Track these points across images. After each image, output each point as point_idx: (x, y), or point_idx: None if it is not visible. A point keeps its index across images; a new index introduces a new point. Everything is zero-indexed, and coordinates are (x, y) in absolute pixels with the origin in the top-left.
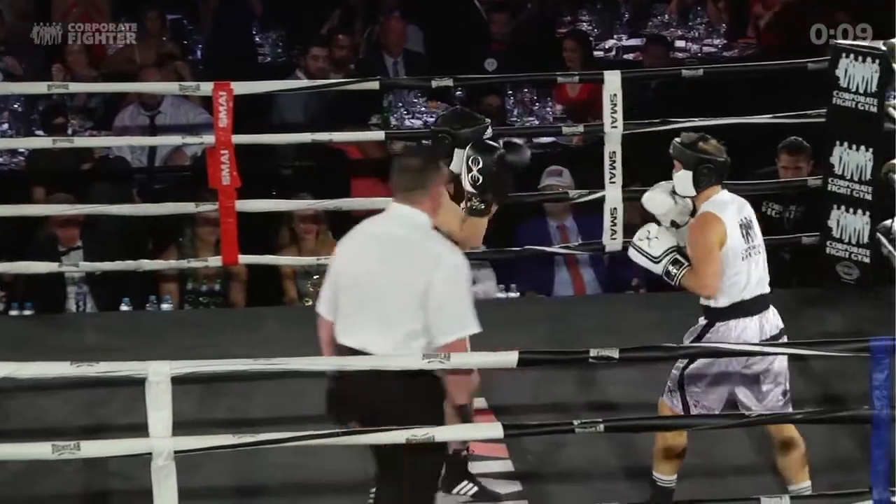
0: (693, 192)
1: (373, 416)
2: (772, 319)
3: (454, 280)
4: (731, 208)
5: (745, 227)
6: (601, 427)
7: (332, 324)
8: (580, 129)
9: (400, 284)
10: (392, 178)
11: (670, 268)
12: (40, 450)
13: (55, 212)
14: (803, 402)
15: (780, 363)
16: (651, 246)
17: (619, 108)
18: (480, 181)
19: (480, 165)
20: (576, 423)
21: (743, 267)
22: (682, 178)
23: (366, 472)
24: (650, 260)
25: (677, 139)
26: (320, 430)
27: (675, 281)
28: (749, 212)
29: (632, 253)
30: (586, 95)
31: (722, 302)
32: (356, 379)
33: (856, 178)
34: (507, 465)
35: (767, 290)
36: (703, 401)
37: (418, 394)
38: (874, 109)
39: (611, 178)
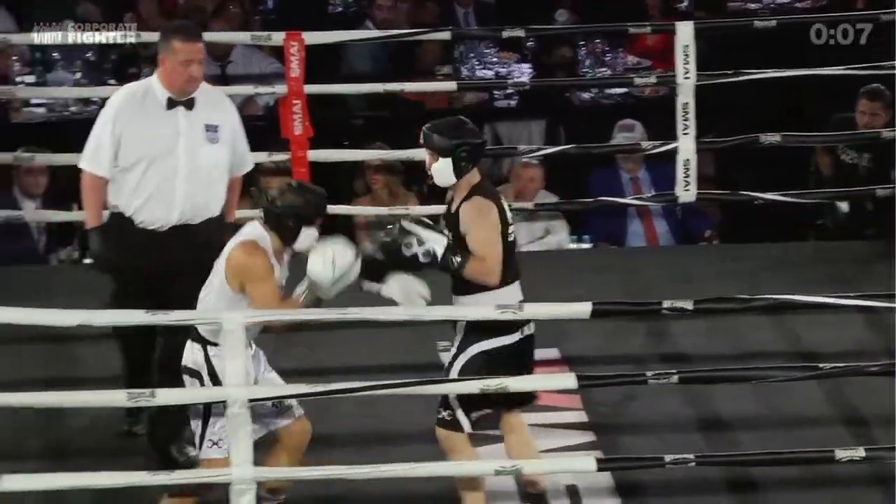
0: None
1: None
2: None
3: None
4: None
5: None
6: (675, 378)
7: None
8: (652, 80)
9: None
10: None
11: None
12: (116, 397)
13: None
14: (877, 354)
15: None
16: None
17: (692, 58)
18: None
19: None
20: (649, 374)
21: None
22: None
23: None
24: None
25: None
26: (391, 381)
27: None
28: None
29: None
30: (663, 45)
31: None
32: None
33: None
34: (580, 416)
35: None
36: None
37: None
38: None
39: (684, 129)
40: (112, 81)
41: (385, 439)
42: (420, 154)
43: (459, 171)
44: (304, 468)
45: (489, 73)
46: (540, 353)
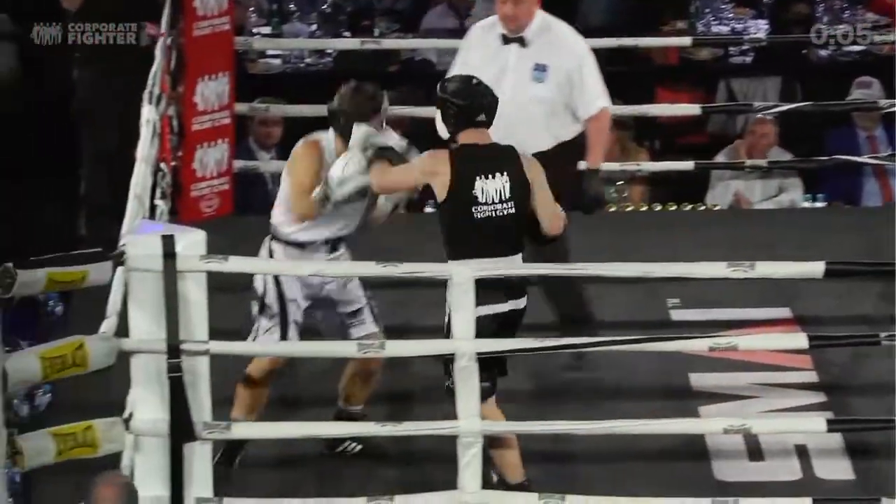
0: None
1: None
2: None
3: None
4: None
5: None
6: None
7: None
8: (892, 38)
9: None
10: None
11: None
12: (347, 348)
13: None
14: None
15: None
16: None
17: None
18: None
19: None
20: (882, 335)
21: None
22: None
23: (663, 377)
24: None
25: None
26: (619, 337)
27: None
28: None
29: None
30: None
31: None
32: None
33: None
34: (810, 377)
35: None
36: None
37: None
38: None
39: None
40: (346, 34)
41: (606, 395)
42: (653, 110)
43: (447, 127)
44: (530, 423)
45: (725, 29)
46: (771, 313)
